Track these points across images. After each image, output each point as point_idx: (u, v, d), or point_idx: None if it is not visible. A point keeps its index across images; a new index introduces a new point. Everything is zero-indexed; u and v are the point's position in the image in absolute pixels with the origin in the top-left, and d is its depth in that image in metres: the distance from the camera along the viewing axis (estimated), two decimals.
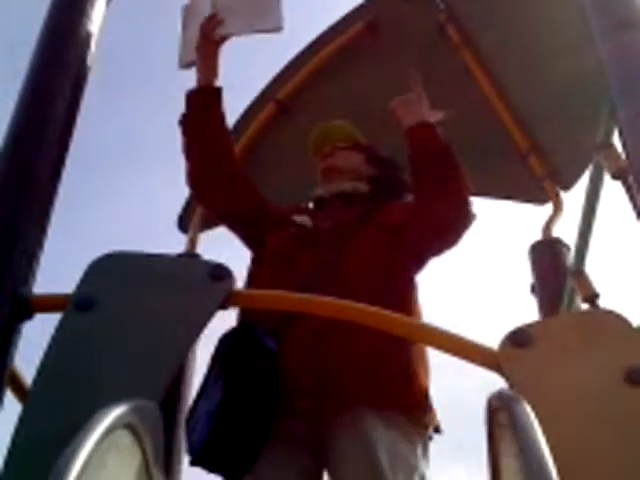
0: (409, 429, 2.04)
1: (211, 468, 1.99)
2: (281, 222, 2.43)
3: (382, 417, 2.00)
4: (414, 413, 2.08)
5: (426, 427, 2.10)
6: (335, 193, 2.53)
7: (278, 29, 2.36)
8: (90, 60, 1.98)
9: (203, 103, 2.39)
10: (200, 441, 1.96)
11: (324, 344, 2.06)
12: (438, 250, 2.40)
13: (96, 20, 2.03)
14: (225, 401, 1.95)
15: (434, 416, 2.14)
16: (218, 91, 2.40)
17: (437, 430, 2.14)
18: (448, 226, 2.32)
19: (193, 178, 2.44)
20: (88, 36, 1.97)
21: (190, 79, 2.43)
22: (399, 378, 2.08)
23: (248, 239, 2.47)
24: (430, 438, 2.12)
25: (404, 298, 2.24)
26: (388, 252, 2.29)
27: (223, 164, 2.41)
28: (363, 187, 2.54)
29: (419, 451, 2.03)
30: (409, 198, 2.50)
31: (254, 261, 2.42)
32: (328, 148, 2.61)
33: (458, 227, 2.33)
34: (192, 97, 2.39)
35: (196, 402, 2.06)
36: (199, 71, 2.41)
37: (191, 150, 2.41)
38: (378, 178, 2.58)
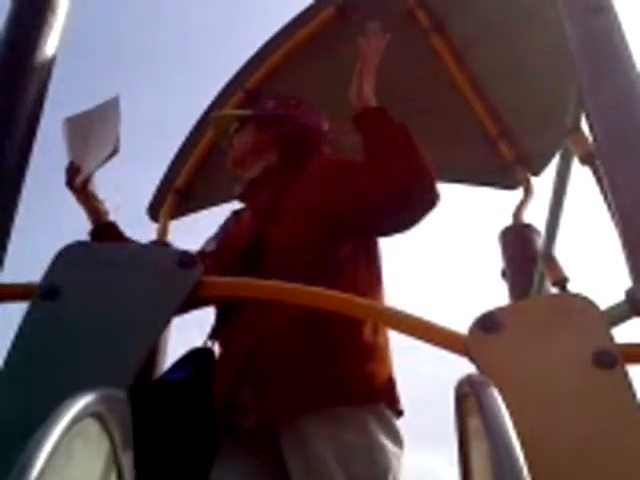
0: (359, 418, 1.95)
1: None
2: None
3: (326, 423, 1.92)
4: (362, 403, 1.97)
5: (380, 409, 1.99)
6: (247, 185, 2.40)
7: (116, 152, 2.34)
8: (56, 48, 1.94)
9: (103, 238, 2.41)
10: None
11: (255, 353, 2.01)
12: (390, 227, 2.12)
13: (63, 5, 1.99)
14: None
15: (389, 398, 2.04)
16: (108, 226, 2.44)
17: (399, 413, 2.05)
18: (405, 199, 2.00)
19: None
20: (51, 31, 1.93)
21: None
22: (333, 374, 1.97)
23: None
24: (399, 413, 2.04)
25: (343, 280, 2.08)
26: (310, 234, 2.12)
27: None
28: (271, 159, 2.38)
29: (377, 437, 1.93)
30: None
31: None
32: (226, 142, 2.49)
33: (416, 201, 2.02)
34: (91, 236, 2.43)
35: None
36: (86, 214, 2.46)
37: None
38: (280, 137, 2.38)
